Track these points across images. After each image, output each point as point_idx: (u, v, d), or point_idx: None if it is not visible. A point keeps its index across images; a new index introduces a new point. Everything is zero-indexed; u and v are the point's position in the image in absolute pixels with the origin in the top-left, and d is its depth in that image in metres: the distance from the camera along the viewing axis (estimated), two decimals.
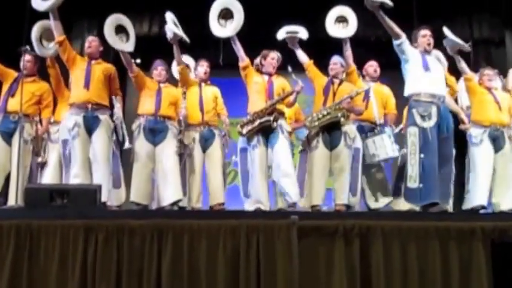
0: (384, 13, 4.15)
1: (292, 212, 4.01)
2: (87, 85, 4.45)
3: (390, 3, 4.16)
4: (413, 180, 4.05)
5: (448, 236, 3.23)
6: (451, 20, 4.24)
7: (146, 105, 4.74)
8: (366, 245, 3.23)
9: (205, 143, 4.97)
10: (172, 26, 4.71)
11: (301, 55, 4.88)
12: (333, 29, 4.86)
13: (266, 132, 4.55)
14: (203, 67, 5.12)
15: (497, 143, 4.71)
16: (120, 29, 4.57)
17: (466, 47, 4.58)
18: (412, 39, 4.32)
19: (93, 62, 4.60)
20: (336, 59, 4.88)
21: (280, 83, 4.70)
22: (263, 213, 4.16)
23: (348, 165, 4.62)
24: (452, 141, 4.26)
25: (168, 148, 4.63)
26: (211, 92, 5.15)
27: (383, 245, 3.22)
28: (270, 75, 4.71)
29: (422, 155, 4.05)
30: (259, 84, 4.66)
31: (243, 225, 3.26)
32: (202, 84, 5.13)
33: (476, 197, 4.57)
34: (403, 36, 4.25)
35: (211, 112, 5.05)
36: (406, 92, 4.31)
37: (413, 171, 4.06)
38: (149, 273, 3.21)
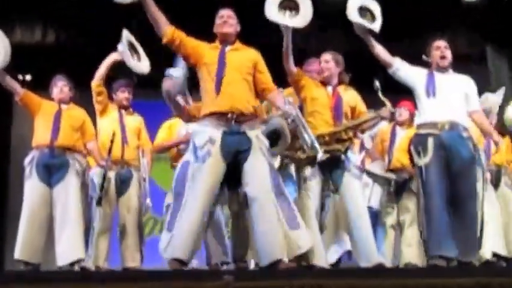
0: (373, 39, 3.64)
1: (226, 271, 3.41)
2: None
3: (376, 29, 3.63)
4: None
5: None
6: (421, 37, 3.84)
7: (40, 134, 3.91)
8: None
9: (121, 184, 4.20)
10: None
11: None
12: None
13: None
14: (124, 92, 4.31)
15: None
16: None
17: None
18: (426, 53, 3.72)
19: None
20: None
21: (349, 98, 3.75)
22: (190, 273, 3.50)
23: None
24: (472, 175, 3.56)
25: (69, 190, 3.81)
26: (134, 122, 4.36)
27: None
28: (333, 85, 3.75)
29: (423, 199, 3.50)
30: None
31: None
32: (123, 111, 4.32)
33: None
34: (395, 63, 3.65)
35: (133, 148, 4.27)
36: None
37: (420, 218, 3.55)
38: None
